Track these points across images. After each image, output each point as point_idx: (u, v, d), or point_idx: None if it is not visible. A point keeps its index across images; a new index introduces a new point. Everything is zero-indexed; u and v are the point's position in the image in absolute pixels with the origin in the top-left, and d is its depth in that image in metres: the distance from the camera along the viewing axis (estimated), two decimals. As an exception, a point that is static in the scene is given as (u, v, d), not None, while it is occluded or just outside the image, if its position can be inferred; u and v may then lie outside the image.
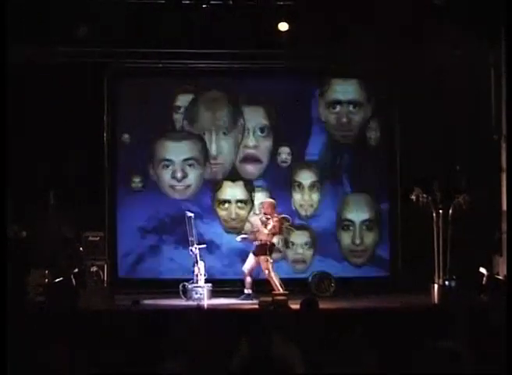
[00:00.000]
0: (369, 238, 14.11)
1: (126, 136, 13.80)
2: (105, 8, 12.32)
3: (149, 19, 12.57)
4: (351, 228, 14.10)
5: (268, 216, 12.23)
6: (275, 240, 12.45)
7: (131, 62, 13.50)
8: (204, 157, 13.95)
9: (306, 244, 14.03)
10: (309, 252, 14.02)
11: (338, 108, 14.19)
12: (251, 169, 14.05)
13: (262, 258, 12.10)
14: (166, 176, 13.89)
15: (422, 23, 12.37)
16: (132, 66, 13.64)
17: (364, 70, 13.91)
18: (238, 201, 13.98)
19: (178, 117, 13.98)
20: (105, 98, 13.73)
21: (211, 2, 12.62)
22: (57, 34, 12.49)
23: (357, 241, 14.07)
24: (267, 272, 12.02)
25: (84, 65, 13.14)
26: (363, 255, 14.08)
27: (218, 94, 14.06)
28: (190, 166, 13.93)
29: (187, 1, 12.58)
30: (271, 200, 12.66)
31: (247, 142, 14.05)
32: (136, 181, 13.82)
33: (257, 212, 13.54)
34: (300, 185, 14.08)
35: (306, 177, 14.10)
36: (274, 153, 14.07)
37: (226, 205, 14.00)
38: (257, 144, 14.06)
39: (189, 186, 13.92)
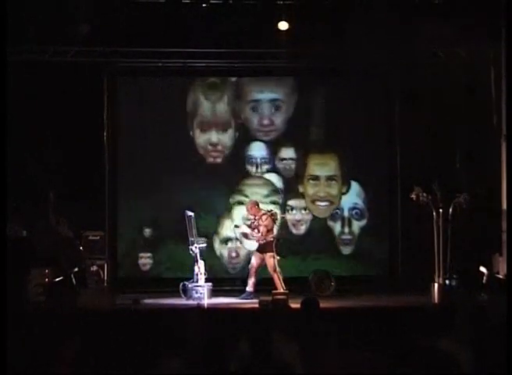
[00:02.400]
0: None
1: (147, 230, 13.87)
2: (105, 8, 12.31)
3: (149, 18, 12.56)
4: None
5: (255, 217, 12.28)
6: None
7: (130, 61, 13.50)
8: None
9: None
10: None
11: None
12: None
13: (268, 255, 12.11)
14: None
15: (422, 22, 12.35)
16: (131, 65, 13.65)
17: (364, 69, 13.92)
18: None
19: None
20: (105, 98, 13.74)
21: (211, 1, 12.62)
22: (56, 34, 12.49)
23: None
24: (272, 269, 12.02)
25: (84, 64, 13.14)
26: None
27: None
28: None
29: (187, 1, 12.58)
30: (253, 200, 12.73)
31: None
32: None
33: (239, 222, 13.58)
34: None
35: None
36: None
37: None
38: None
39: None
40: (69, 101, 12.99)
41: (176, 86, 14.14)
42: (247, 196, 13.97)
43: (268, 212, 12.45)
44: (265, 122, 14.18)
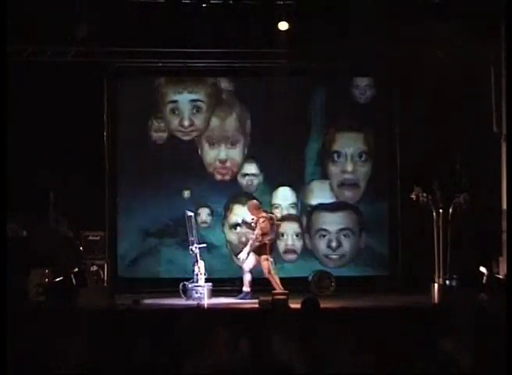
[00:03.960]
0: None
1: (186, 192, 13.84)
2: (105, 8, 12.31)
3: (149, 18, 12.56)
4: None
5: (253, 218, 12.29)
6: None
7: (130, 61, 13.49)
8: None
9: (296, 235, 14.13)
10: (299, 243, 14.11)
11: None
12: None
13: (263, 257, 12.12)
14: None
15: (422, 22, 12.35)
16: (131, 65, 13.64)
17: (359, 67, 13.92)
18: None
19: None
20: (105, 98, 13.73)
21: (211, 2, 12.62)
22: (56, 34, 12.48)
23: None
24: (267, 271, 12.04)
25: (84, 65, 13.13)
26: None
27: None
28: None
29: (187, 1, 12.58)
30: (254, 201, 12.68)
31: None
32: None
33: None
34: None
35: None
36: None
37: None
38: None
39: None
40: (69, 102, 12.98)
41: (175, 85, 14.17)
42: (326, 230, 14.07)
43: (267, 214, 12.45)
44: (186, 123, 14.10)
